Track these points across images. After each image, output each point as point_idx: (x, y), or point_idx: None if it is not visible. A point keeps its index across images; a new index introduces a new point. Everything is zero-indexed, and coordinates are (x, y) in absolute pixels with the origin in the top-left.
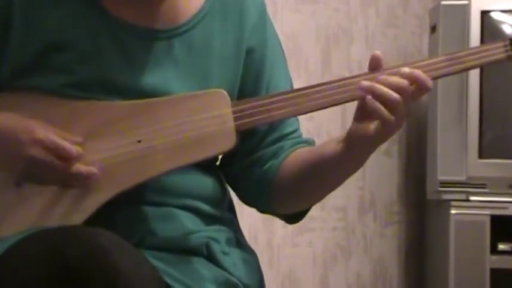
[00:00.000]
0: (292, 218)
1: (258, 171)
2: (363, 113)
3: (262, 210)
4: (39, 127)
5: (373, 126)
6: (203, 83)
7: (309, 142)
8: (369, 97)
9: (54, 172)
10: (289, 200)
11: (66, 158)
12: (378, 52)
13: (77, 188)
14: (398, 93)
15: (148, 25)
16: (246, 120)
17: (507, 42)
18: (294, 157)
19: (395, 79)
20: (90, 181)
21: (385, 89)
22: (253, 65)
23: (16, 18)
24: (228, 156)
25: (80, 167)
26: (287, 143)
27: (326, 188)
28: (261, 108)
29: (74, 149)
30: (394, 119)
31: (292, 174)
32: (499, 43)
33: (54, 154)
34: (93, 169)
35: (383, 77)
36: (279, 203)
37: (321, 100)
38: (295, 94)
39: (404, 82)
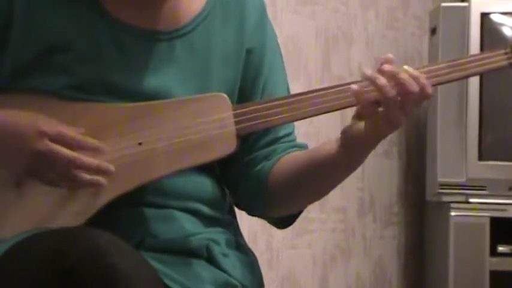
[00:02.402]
0: (282, 222)
1: (250, 173)
2: (362, 112)
3: (253, 213)
4: (43, 120)
5: (368, 122)
6: (204, 84)
7: (302, 146)
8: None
9: (61, 165)
10: (281, 201)
11: (74, 148)
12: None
13: (84, 184)
14: (401, 89)
15: (149, 27)
16: (247, 124)
17: (508, 49)
18: (287, 159)
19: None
20: (101, 177)
21: (385, 82)
22: (252, 65)
23: (17, 18)
24: (223, 158)
25: (89, 160)
26: (280, 146)
27: (320, 190)
28: (262, 113)
29: (82, 137)
30: (390, 116)
31: (285, 176)
32: (500, 50)
33: (62, 145)
34: (106, 164)
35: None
36: (271, 204)
37: (322, 105)
38: (296, 99)
39: (407, 79)
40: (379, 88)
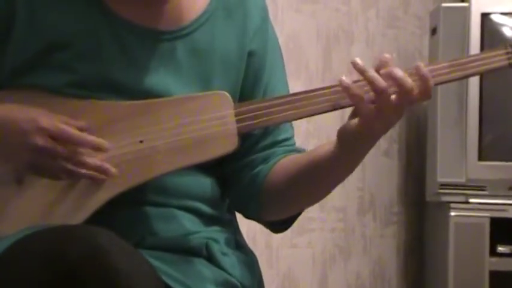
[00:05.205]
0: (277, 226)
1: (248, 175)
2: (356, 109)
3: (248, 215)
4: (42, 115)
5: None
6: (205, 85)
7: (301, 151)
8: (343, 78)
9: (60, 161)
10: (278, 204)
11: (72, 144)
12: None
13: (84, 179)
14: (402, 86)
15: (151, 26)
16: (248, 122)
17: (509, 49)
18: (285, 162)
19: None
20: (100, 174)
21: (376, 75)
22: (253, 68)
23: (19, 16)
24: (221, 158)
25: (89, 159)
26: (279, 149)
27: (319, 191)
28: (263, 111)
29: (79, 134)
30: (379, 112)
31: (283, 179)
32: (500, 50)
33: (62, 141)
34: (106, 165)
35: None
36: (268, 208)
37: (323, 104)
38: (297, 97)
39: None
40: (369, 81)
